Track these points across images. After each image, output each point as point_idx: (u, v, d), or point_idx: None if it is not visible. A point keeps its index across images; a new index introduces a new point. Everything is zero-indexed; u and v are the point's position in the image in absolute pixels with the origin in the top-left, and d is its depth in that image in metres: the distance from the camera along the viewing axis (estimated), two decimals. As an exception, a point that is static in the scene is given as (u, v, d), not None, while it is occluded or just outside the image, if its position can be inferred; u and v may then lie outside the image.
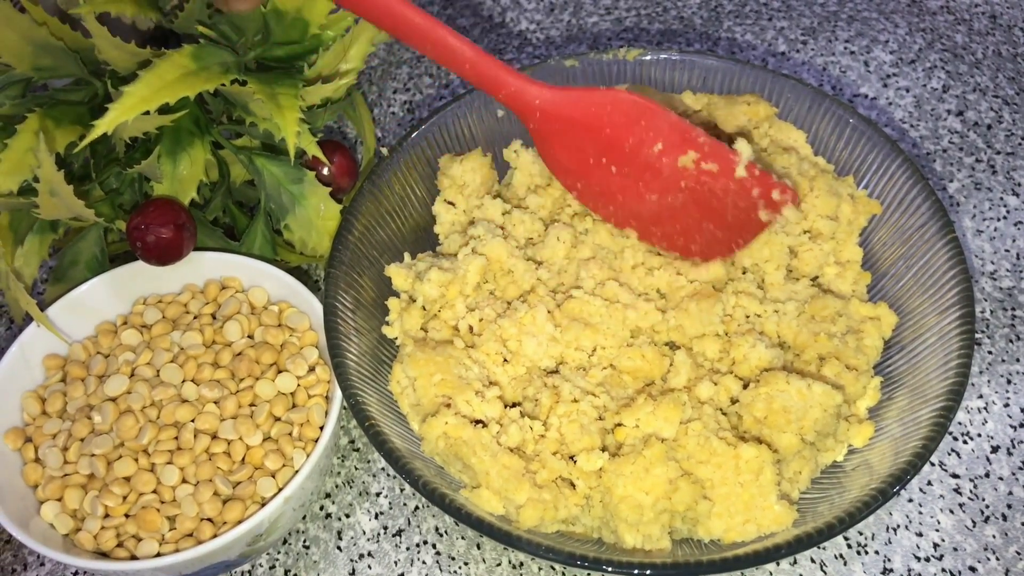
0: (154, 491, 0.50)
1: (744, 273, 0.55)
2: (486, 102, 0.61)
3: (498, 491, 0.47)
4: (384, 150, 0.59)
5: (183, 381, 0.53)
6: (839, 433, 0.51)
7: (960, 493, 0.55)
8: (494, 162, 0.61)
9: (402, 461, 0.46)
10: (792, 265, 0.56)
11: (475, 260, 0.53)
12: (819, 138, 0.60)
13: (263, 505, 0.49)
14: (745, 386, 0.50)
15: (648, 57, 0.63)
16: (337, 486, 0.57)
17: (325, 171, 0.59)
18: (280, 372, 0.54)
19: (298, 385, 0.53)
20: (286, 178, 0.57)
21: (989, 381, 0.60)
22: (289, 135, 0.52)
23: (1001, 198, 0.69)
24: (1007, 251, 0.66)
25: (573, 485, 0.48)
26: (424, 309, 0.55)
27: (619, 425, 0.49)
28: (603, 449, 0.49)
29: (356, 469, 0.57)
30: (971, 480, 0.56)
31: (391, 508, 0.56)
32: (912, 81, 0.77)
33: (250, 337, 0.55)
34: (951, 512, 0.54)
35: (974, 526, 0.54)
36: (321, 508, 0.56)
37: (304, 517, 0.55)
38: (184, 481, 0.50)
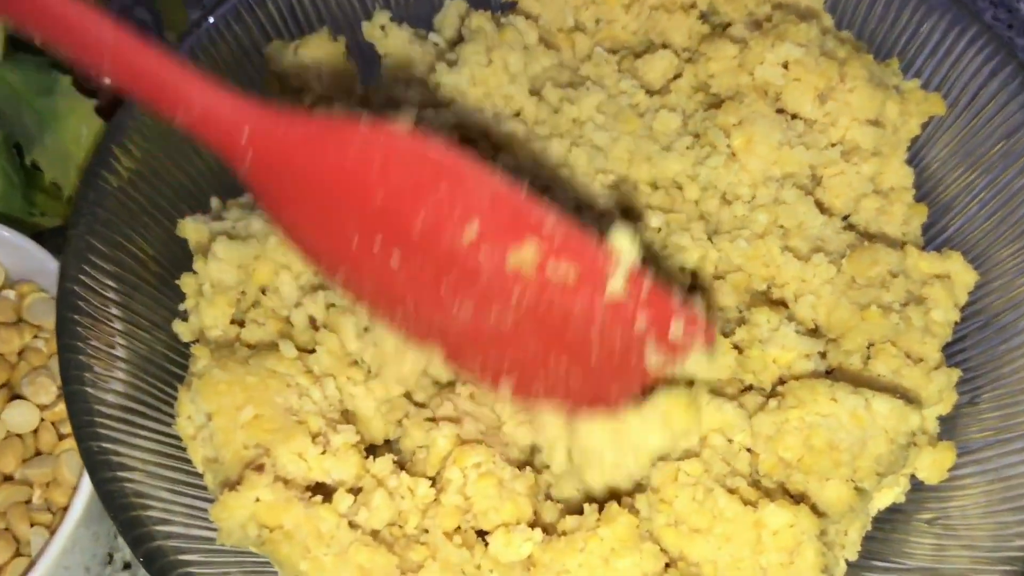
0: None
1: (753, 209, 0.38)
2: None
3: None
4: None
5: None
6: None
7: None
8: (350, 50, 0.46)
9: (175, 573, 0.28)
10: (815, 196, 0.41)
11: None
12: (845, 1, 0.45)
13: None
14: (766, 398, 0.34)
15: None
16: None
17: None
18: (13, 398, 0.40)
19: (41, 420, 0.40)
20: (29, 88, 0.45)
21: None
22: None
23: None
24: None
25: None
26: (243, 293, 0.36)
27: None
28: (533, 525, 0.32)
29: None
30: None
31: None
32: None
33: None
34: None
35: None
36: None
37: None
38: None
